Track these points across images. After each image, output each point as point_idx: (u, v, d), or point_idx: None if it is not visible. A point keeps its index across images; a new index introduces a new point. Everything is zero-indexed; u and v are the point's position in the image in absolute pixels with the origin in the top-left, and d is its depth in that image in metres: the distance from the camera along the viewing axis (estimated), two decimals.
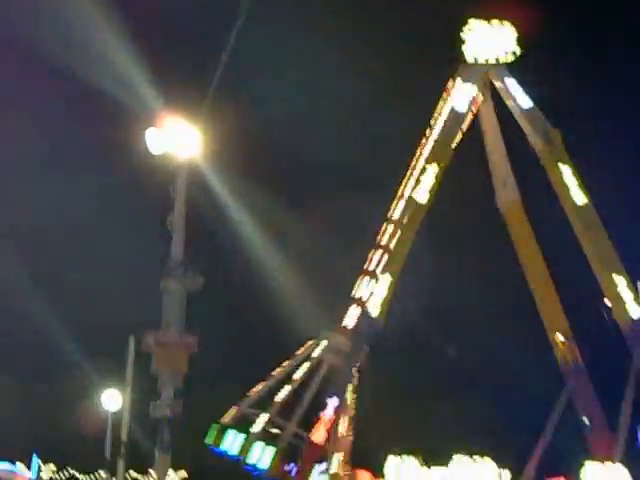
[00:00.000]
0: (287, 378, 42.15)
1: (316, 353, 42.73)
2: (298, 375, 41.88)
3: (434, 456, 40.38)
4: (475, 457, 37.14)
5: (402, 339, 54.82)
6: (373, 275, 45.38)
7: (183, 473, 55.86)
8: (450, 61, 52.40)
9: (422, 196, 47.25)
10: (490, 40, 51.59)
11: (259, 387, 42.02)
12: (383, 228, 46.96)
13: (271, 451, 39.15)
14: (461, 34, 51.64)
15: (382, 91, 60.86)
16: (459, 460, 37.21)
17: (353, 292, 45.33)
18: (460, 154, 50.89)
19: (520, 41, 51.49)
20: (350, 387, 44.44)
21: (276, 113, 56.42)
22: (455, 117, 50.11)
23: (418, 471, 37.40)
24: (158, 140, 24.25)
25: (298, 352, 42.98)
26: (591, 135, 56.75)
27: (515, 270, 52.78)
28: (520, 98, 51.50)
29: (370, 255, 46.29)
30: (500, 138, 53.91)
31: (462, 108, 50.36)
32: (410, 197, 47.34)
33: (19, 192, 54.10)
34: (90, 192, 53.35)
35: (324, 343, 42.97)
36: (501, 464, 38.28)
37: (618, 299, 45.49)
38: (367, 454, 45.65)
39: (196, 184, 24.18)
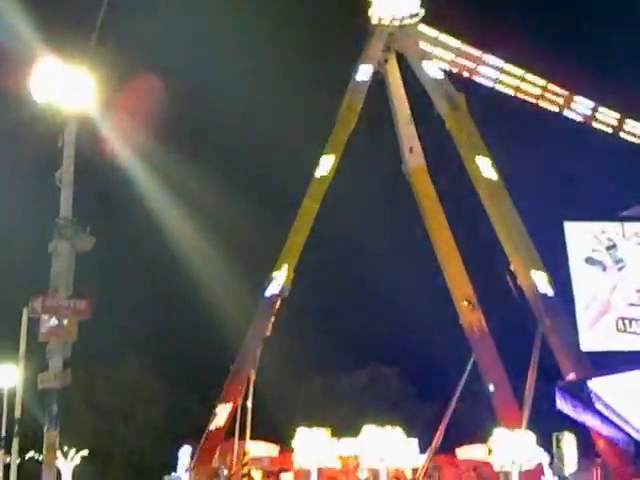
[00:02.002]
0: None
1: None
2: None
3: (344, 428, 39.54)
4: (385, 427, 36.30)
5: (308, 309, 53.82)
6: None
7: (84, 452, 53.88)
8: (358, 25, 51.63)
9: None
10: (395, 1, 50.76)
11: None
12: None
13: None
14: None
15: (284, 39, 59.15)
16: (369, 431, 36.29)
17: None
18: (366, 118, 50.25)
19: (424, 2, 50.91)
20: None
21: (177, 58, 53.75)
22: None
23: (328, 443, 36.31)
24: (43, 87, 21.72)
25: None
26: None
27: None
28: (425, 63, 50.62)
29: None
30: (406, 103, 53.35)
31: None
32: None
33: None
34: None
35: None
36: (410, 434, 37.59)
37: (522, 265, 45.15)
38: (274, 427, 44.48)
39: (88, 135, 21.86)
